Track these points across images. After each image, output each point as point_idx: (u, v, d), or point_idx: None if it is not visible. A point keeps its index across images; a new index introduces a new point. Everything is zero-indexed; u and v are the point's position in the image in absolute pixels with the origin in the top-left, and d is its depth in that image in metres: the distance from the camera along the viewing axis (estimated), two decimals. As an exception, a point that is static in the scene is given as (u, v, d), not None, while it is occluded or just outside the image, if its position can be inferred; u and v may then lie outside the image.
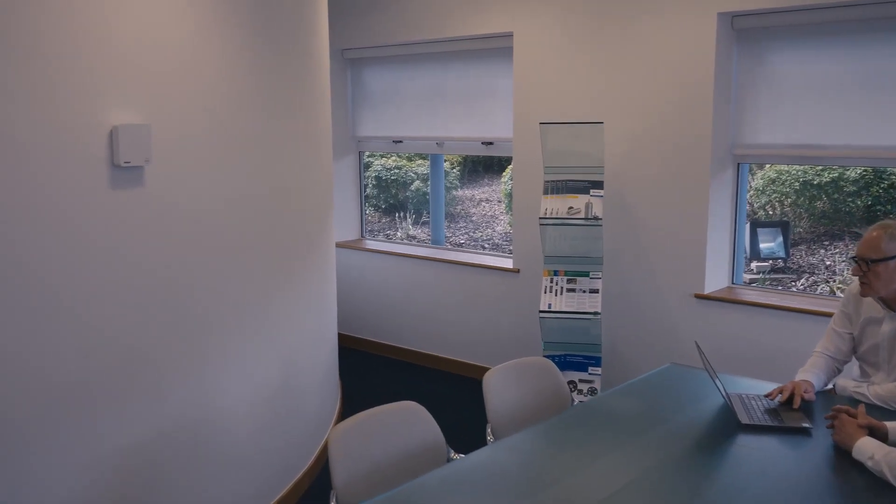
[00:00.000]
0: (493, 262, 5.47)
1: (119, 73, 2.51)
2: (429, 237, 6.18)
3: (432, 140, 5.70)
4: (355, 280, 6.13)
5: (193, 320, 2.90)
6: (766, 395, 2.77)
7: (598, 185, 4.53)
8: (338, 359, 4.59)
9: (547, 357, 4.55)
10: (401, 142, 5.89)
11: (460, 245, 9.47)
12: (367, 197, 6.37)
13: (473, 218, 10.30)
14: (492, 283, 5.37)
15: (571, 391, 4.06)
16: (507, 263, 5.40)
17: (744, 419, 2.58)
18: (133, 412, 2.66)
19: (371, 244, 6.17)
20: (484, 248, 9.37)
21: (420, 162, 10.04)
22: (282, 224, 3.47)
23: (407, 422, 2.51)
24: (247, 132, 3.15)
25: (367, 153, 6.11)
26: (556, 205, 4.53)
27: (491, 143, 5.43)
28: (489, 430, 2.79)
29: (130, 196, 2.59)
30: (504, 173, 10.12)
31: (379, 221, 10.40)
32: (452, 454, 2.55)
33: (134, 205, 2.60)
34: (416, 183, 10.24)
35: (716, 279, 4.56)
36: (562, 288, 4.58)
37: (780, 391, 2.74)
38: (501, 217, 10.16)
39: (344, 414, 4.83)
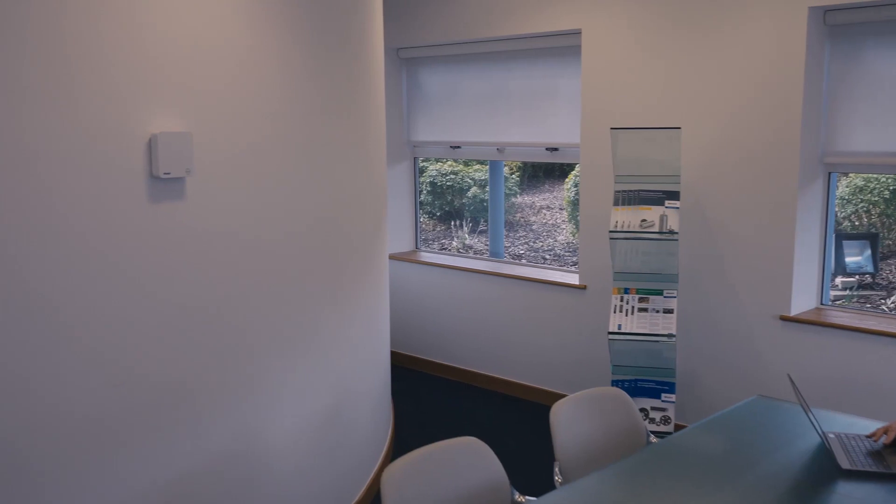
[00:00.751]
0: (558, 277, 5.36)
1: (158, 77, 2.44)
2: (486, 247, 6.06)
3: (492, 146, 5.60)
4: (409, 295, 6.06)
5: (236, 346, 2.82)
6: (869, 436, 2.60)
7: (674, 195, 4.37)
8: (390, 381, 4.46)
9: (616, 382, 4.41)
10: (459, 147, 5.82)
11: (519, 256, 9.40)
12: (421, 204, 6.27)
13: (534, 227, 10.26)
14: (556, 301, 5.25)
15: (643, 419, 3.89)
16: (573, 279, 5.27)
17: (844, 464, 2.41)
18: (169, 447, 2.57)
19: (426, 256, 6.08)
20: (545, 259, 9.33)
21: (477, 167, 9.95)
22: (333, 238, 3.39)
23: (467, 461, 2.38)
24: (296, 139, 3.08)
25: (422, 159, 6.00)
26: (628, 217, 4.38)
27: (556, 150, 5.31)
28: (557, 470, 2.65)
29: (169, 210, 2.51)
30: (567, 179, 9.99)
31: (433, 230, 10.34)
32: (517, 496, 2.42)
33: (173, 219, 2.53)
34: (474, 189, 10.18)
35: (803, 299, 4.35)
36: (633, 307, 4.42)
37: (885, 431, 2.56)
38: (564, 226, 10.10)
39: (397, 441, 4.73)
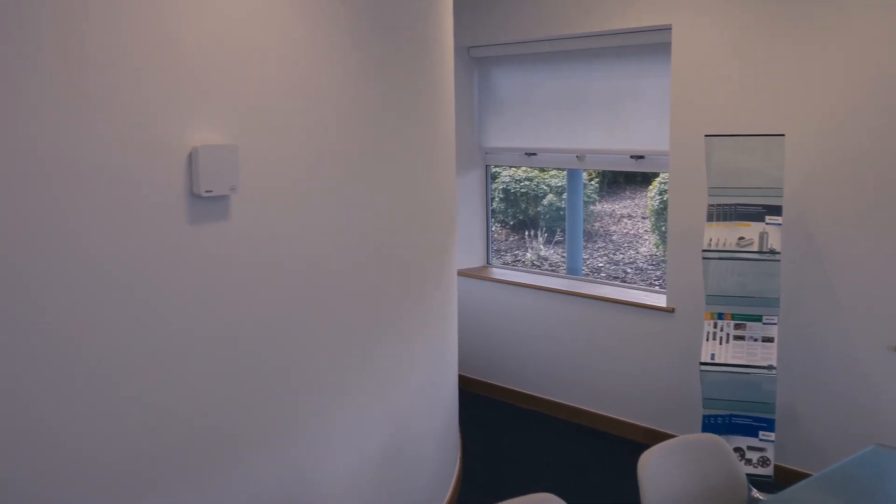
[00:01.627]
0: (643, 298, 5.18)
1: (198, 82, 2.31)
2: (563, 260, 5.92)
3: (571, 153, 5.47)
4: (478, 314, 5.93)
5: (284, 383, 2.69)
6: None
7: (776, 210, 4.14)
8: (458, 411, 4.34)
9: (708, 418, 4.20)
10: (535, 154, 5.70)
11: (598, 269, 9.29)
12: (493, 212, 6.18)
13: (613, 237, 10.15)
14: (640, 324, 5.07)
15: (739, 459, 3.69)
16: (660, 301, 5.08)
17: None
18: (210, 496, 2.44)
19: (498, 273, 5.95)
20: (626, 272, 9.20)
21: (554, 172, 9.84)
22: (395, 258, 3.28)
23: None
24: (355, 149, 2.97)
25: (494, 166, 5.94)
26: (724, 234, 4.16)
27: (641, 157, 5.14)
28: (647, 533, 2.43)
29: (211, 232, 2.38)
30: (651, 186, 9.78)
31: (506, 240, 10.26)
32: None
33: (215, 243, 2.40)
34: (549, 196, 10.07)
35: (926, 330, 4.05)
36: (728, 335, 4.21)
37: None
38: (646, 236, 9.94)
39: (464, 479, 4.59)
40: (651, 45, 4.97)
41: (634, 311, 5.10)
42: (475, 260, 6.17)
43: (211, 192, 2.34)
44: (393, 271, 3.29)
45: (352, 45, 2.93)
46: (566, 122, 5.45)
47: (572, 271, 6.00)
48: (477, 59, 5.94)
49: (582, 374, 5.43)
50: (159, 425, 2.28)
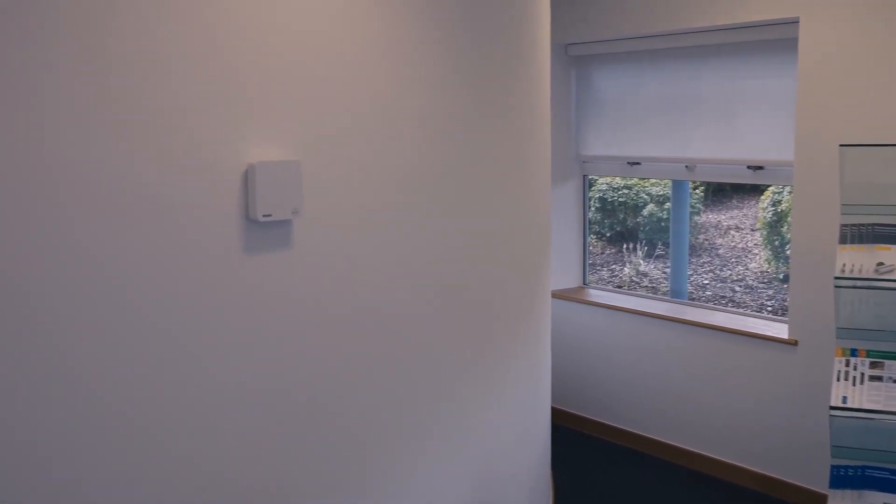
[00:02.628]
0: (760, 327, 4.93)
1: (256, 85, 2.18)
2: (664, 276, 5.85)
3: (679, 162, 5.28)
4: (573, 340, 5.77)
5: (351, 435, 2.55)
6: None
7: (923, 232, 3.86)
8: (550, 450, 4.24)
9: (838, 468, 3.96)
10: (638, 164, 5.55)
11: (703, 286, 9.14)
12: (588, 223, 6.10)
13: (719, 251, 10.03)
14: (757, 357, 4.83)
15: None
16: (780, 331, 4.83)
17: None
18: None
19: (595, 295, 5.77)
20: (734, 290, 9.05)
21: (655, 180, 9.71)
22: (483, 285, 3.13)
23: None
24: (439, 163, 2.82)
25: (592, 177, 5.87)
26: (859, 258, 3.91)
27: (759, 168, 4.93)
28: None
29: (270, 264, 2.24)
30: (763, 196, 9.52)
31: (602, 253, 10.21)
32: None
33: (275, 276, 2.26)
34: (650, 206, 9.95)
35: None
36: (862, 374, 3.95)
37: None
38: (757, 251, 9.78)
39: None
40: (774, 41, 4.76)
41: (750, 343, 4.88)
42: (570, 280, 6.02)
43: (270, 216, 2.20)
44: (480, 300, 3.16)
45: (438, 43, 2.79)
46: (674, 128, 5.30)
47: (677, 293, 5.82)
48: (575, 58, 5.83)
49: (688, 411, 5.26)
50: (210, 485, 2.16)
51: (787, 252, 9.23)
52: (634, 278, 9.51)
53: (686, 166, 5.29)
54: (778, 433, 4.84)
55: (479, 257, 3.13)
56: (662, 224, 9.78)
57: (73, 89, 1.80)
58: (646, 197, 10.00)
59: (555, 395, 6.00)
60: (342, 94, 2.44)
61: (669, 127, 5.32)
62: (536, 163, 3.65)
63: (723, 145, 5.06)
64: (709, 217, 10.61)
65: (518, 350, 3.52)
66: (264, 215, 2.18)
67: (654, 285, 9.28)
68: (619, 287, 9.22)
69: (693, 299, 7.99)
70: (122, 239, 1.91)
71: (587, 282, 6.07)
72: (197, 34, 2.03)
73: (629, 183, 9.97)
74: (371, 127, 2.54)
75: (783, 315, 6.98)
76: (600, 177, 9.83)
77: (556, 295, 5.83)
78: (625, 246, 9.99)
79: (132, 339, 1.95)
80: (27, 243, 1.75)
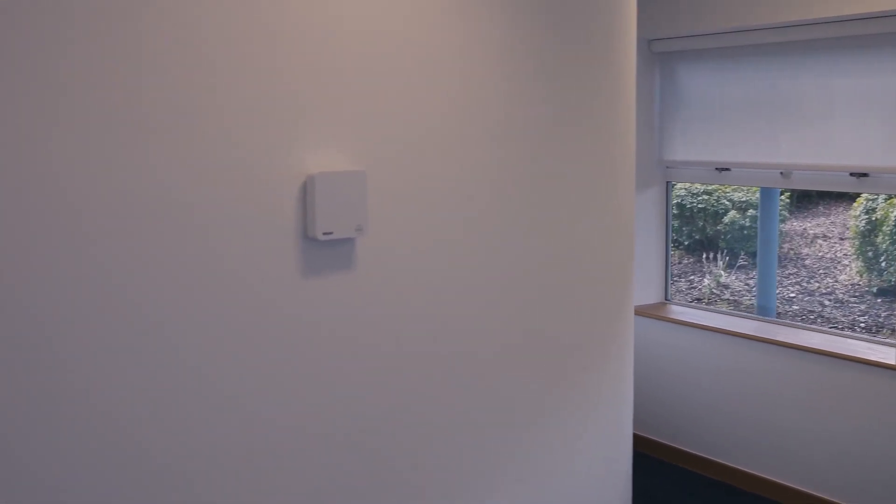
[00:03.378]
0: (863, 351, 4.69)
1: (316, 88, 2.10)
2: (747, 288, 5.77)
3: (773, 168, 5.08)
4: (655, 361, 5.58)
5: (426, 474, 2.48)
6: None
7: None
8: (632, 485, 4.08)
9: None
10: (727, 170, 5.36)
11: (789, 300, 8.86)
12: (671, 233, 6.09)
13: (806, 261, 9.73)
14: (861, 384, 4.62)
15: None
16: (887, 355, 4.59)
17: None
18: None
19: (678, 312, 5.58)
20: (823, 305, 8.74)
21: (737, 185, 9.51)
22: (562, 307, 3.05)
23: None
24: (516, 172, 2.73)
25: (676, 183, 5.69)
26: None
27: (864, 175, 4.69)
28: None
29: (331, 287, 2.16)
30: (855, 204, 9.21)
31: (679, 263, 10.04)
32: None
33: (336, 301, 2.18)
34: (731, 214, 9.70)
35: None
36: None
37: None
38: (847, 262, 9.47)
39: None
40: (884, 34, 4.58)
41: (852, 368, 4.68)
42: (651, 294, 5.86)
43: (331, 233, 2.14)
44: (561, 325, 3.08)
45: (519, 42, 2.70)
46: (768, 131, 5.13)
47: (764, 310, 5.64)
48: (660, 55, 5.67)
49: (783, 442, 5.06)
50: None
51: (882, 264, 8.86)
52: (715, 290, 9.27)
53: (781, 173, 5.12)
54: (887, 469, 4.66)
55: (561, 277, 3.05)
56: (745, 232, 9.54)
57: (105, 92, 1.74)
58: (727, 203, 9.74)
59: (635, 421, 5.82)
60: (413, 99, 2.35)
61: (762, 130, 5.17)
62: (621, 172, 3.54)
63: (821, 150, 4.90)
64: (793, 225, 10.31)
65: (601, 378, 3.43)
66: (324, 233, 2.11)
67: (736, 298, 9.03)
68: (699, 300, 9.00)
69: (779, 314, 7.76)
70: (163, 262, 1.85)
71: (669, 297, 5.92)
72: (246, 31, 1.96)
73: (709, 188, 9.73)
74: (444, 135, 2.45)
75: (878, 332, 6.69)
76: (682, 183, 9.70)
77: (637, 311, 5.67)
78: (704, 256, 9.73)
79: (174, 375, 1.89)
80: (59, 272, 1.69)
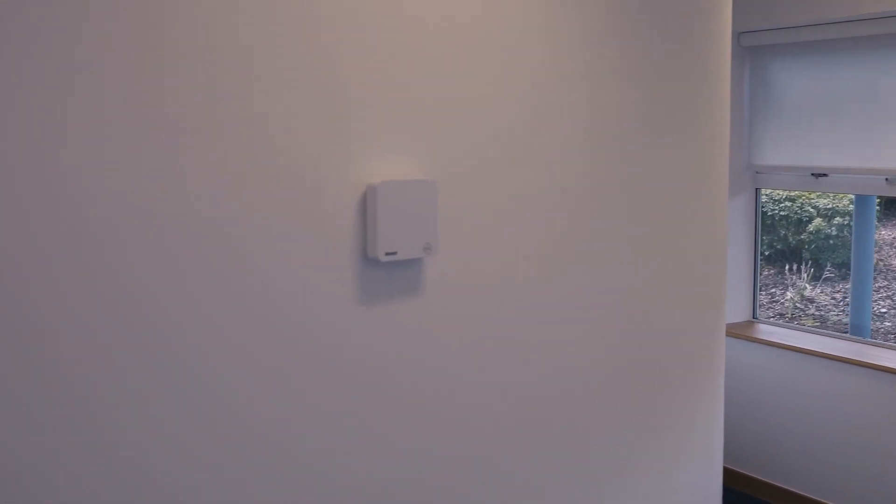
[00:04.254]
0: None
1: (375, 84, 1.96)
2: (833, 303, 5.94)
3: (878, 174, 4.95)
4: (743, 386, 5.44)
5: None
6: None
7: None
8: None
9: None
10: (825, 175, 5.24)
11: (881, 316, 8.63)
12: (760, 244, 6.04)
13: None
14: None
15: None
16: None
17: None
18: None
19: (768, 332, 5.43)
20: None
21: (822, 192, 9.37)
22: (655, 333, 2.97)
23: None
24: (610, 188, 2.64)
25: (766, 190, 5.58)
26: None
27: None
28: None
29: (395, 316, 2.02)
30: None
31: (760, 274, 9.81)
32: None
33: (401, 333, 2.04)
34: (817, 221, 9.47)
35: None
36: None
37: None
38: None
39: None
40: None
41: None
42: (738, 312, 5.73)
43: (394, 254, 1.99)
44: (653, 353, 2.99)
45: (611, 36, 2.59)
46: (873, 132, 4.99)
47: (858, 329, 5.46)
48: (750, 49, 5.54)
49: (887, 478, 4.91)
50: None
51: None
52: (798, 305, 9.06)
53: (886, 179, 5.00)
54: None
55: (653, 300, 2.96)
56: (831, 242, 9.35)
57: (123, 88, 1.59)
58: (811, 210, 9.55)
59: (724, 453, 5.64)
60: (492, 97, 2.22)
61: (865, 131, 5.05)
62: (715, 179, 3.44)
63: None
64: (882, 234, 10.07)
65: (694, 409, 3.34)
66: (387, 253, 1.96)
67: (822, 313, 8.78)
68: (781, 315, 8.80)
69: (872, 332, 7.57)
70: (192, 288, 1.71)
71: (757, 315, 5.80)
72: (292, 15, 1.83)
73: (791, 194, 9.54)
74: (528, 139, 2.32)
75: None
76: (769, 189, 9.59)
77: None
78: (787, 267, 9.53)
79: (209, 420, 1.76)
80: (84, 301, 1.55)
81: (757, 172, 5.61)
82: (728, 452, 5.65)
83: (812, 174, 5.26)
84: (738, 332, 5.46)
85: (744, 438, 5.54)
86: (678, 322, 3.13)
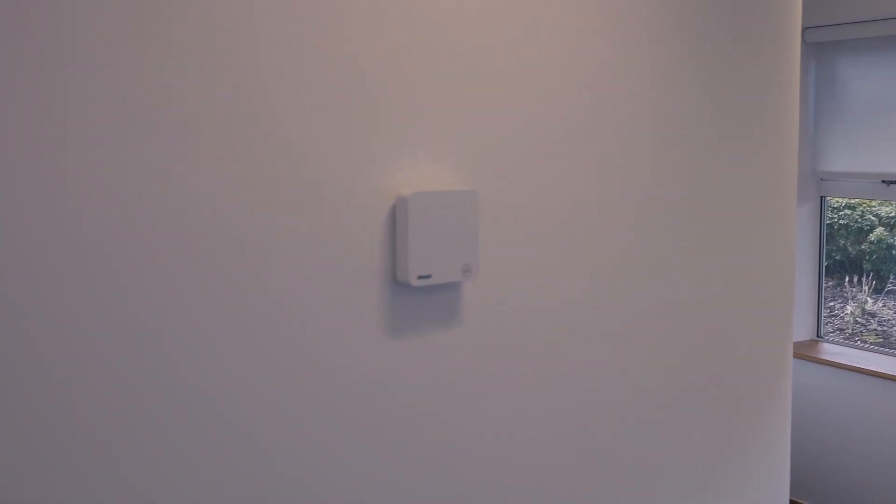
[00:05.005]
0: None
1: (406, 83, 1.82)
2: None
3: None
4: (806, 410, 5.35)
5: None
6: None
7: None
8: None
9: None
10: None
11: None
12: (825, 257, 6.23)
13: None
14: None
15: None
16: None
17: None
18: None
19: (834, 352, 5.34)
20: None
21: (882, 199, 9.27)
22: (720, 362, 2.86)
23: None
24: (672, 201, 2.52)
25: (833, 199, 5.50)
26: None
27: None
28: None
29: (430, 349, 1.87)
30: None
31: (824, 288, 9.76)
32: None
33: (437, 367, 1.89)
34: (878, 231, 9.34)
35: None
36: None
37: None
38: None
39: None
40: None
41: None
42: (801, 331, 5.69)
43: (429, 277, 1.83)
44: (718, 386, 2.88)
45: (675, 29, 2.46)
46: None
47: None
48: (814, 46, 5.44)
49: None
50: None
51: None
52: (859, 319, 8.83)
53: None
54: None
55: (719, 321, 2.83)
56: (894, 252, 9.11)
57: (132, 90, 1.44)
58: (873, 219, 9.43)
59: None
60: (539, 98, 2.07)
61: None
62: (784, 191, 3.32)
63: None
64: None
65: (761, 440, 3.22)
66: (420, 276, 1.80)
67: (885, 328, 8.60)
68: (841, 331, 8.64)
69: None
70: (198, 313, 1.56)
71: (822, 333, 5.71)
72: (311, 6, 1.67)
73: (851, 202, 9.43)
74: (581, 144, 2.17)
75: None
76: (842, 198, 9.52)
77: (785, 351, 5.35)
78: (847, 279, 9.38)
79: (223, 458, 1.62)
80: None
81: (822, 179, 5.52)
82: (791, 482, 5.46)
83: (882, 181, 5.18)
84: (802, 352, 5.37)
85: (807, 467, 5.44)
86: (745, 342, 3.01)
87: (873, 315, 8.97)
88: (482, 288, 1.90)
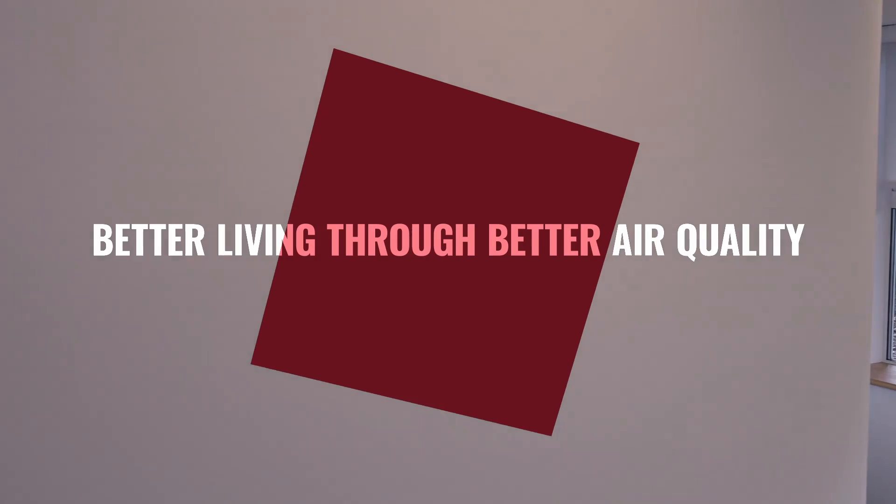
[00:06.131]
0: None
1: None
2: None
3: None
4: (877, 438, 5.23)
5: None
6: None
7: None
8: None
9: None
10: None
11: None
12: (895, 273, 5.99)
13: None
14: None
15: None
16: None
17: None
18: None
19: None
20: None
21: None
22: (794, 390, 2.76)
23: None
24: (749, 206, 2.50)
25: None
26: None
27: None
28: None
29: None
30: None
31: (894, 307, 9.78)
32: None
33: None
34: None
35: None
36: None
37: None
38: None
39: None
40: None
41: None
42: (871, 353, 5.39)
43: None
44: (794, 413, 2.79)
45: (741, 39, 2.40)
46: None
47: None
48: (886, 46, 5.37)
49: None
50: None
51: None
52: None
53: None
54: None
55: (798, 352, 2.73)
56: None
57: (136, 88, 1.38)
58: None
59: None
60: (597, 99, 2.01)
61: None
62: (862, 204, 3.20)
63: None
64: None
65: (838, 479, 3.08)
66: None
67: None
68: None
69: None
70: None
71: (891, 356, 5.55)
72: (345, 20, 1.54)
73: None
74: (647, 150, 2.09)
75: None
76: None
77: (848, 374, 5.20)
78: None
79: None
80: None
81: (893, 190, 5.44)
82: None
83: (959, 190, 5.06)
84: (872, 376, 5.20)
85: (878, 499, 5.30)
86: (824, 369, 2.89)
87: (936, 333, 8.86)
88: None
